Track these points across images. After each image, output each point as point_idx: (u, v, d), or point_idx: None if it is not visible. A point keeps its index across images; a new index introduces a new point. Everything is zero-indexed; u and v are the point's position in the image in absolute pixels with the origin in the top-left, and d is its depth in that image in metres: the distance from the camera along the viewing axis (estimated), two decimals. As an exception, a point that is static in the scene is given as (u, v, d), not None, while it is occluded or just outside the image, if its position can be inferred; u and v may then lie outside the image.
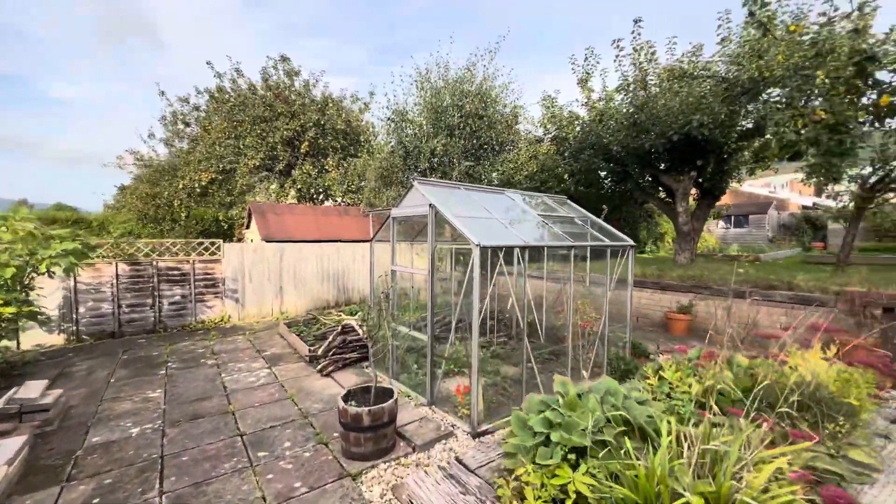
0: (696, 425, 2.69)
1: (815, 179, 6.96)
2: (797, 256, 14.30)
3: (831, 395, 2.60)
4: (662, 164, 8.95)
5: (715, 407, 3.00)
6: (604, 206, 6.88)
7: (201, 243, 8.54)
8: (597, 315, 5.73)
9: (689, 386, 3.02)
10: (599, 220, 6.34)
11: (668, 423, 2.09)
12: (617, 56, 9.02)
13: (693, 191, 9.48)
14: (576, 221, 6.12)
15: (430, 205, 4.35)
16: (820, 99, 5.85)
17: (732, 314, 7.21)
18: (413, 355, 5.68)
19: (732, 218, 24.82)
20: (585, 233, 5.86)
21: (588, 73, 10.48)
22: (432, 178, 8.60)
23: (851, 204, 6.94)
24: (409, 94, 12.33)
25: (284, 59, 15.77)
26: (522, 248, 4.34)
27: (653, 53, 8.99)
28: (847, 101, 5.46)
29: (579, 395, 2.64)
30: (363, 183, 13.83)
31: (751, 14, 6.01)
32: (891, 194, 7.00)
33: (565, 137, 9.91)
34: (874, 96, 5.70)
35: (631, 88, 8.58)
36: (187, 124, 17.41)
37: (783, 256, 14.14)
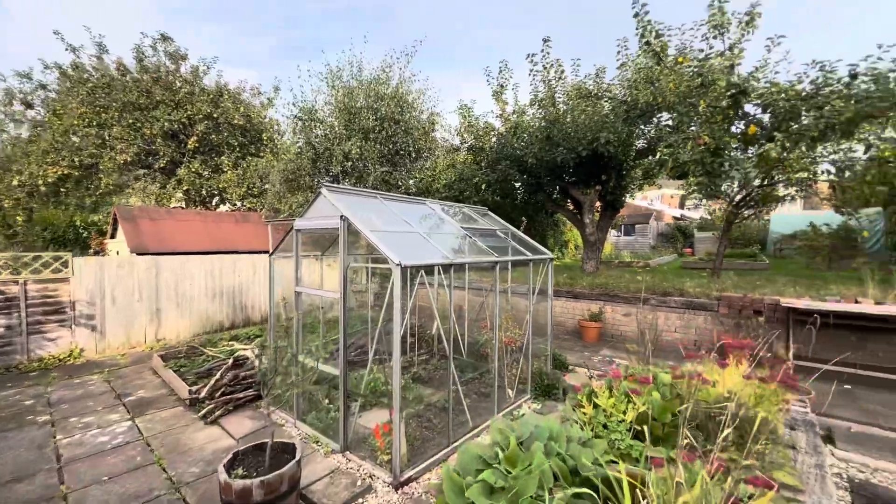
0: (637, 461, 2.51)
1: (697, 196, 7.88)
2: (676, 262, 16.39)
3: (754, 414, 2.63)
4: (571, 178, 9.41)
5: (650, 435, 2.89)
6: (523, 218, 6.85)
7: (38, 257, 6.62)
8: (520, 331, 5.60)
9: (624, 412, 2.88)
10: (520, 233, 6.27)
11: (620, 473, 1.82)
12: (531, 70, 9.31)
13: (597, 203, 10.16)
14: (498, 234, 5.96)
15: (341, 216, 3.73)
16: (702, 125, 6.51)
17: (636, 319, 7.74)
18: (324, 388, 4.93)
19: (623, 227, 27.92)
20: (508, 246, 5.71)
21: (502, 86, 10.69)
22: (344, 185, 7.72)
23: (720, 217, 7.91)
24: (318, 91, 11.35)
25: (165, 38, 13.52)
26: (447, 266, 3.95)
27: (561, 72, 9.48)
28: (724, 128, 6.16)
29: (520, 443, 2.29)
30: (266, 186, 12.37)
31: (647, 44, 6.55)
32: (748, 210, 8.17)
33: (482, 147, 9.95)
34: (742, 126, 6.56)
35: (542, 103, 8.91)
36: (29, 105, 13.96)
37: (665, 262, 16.09)
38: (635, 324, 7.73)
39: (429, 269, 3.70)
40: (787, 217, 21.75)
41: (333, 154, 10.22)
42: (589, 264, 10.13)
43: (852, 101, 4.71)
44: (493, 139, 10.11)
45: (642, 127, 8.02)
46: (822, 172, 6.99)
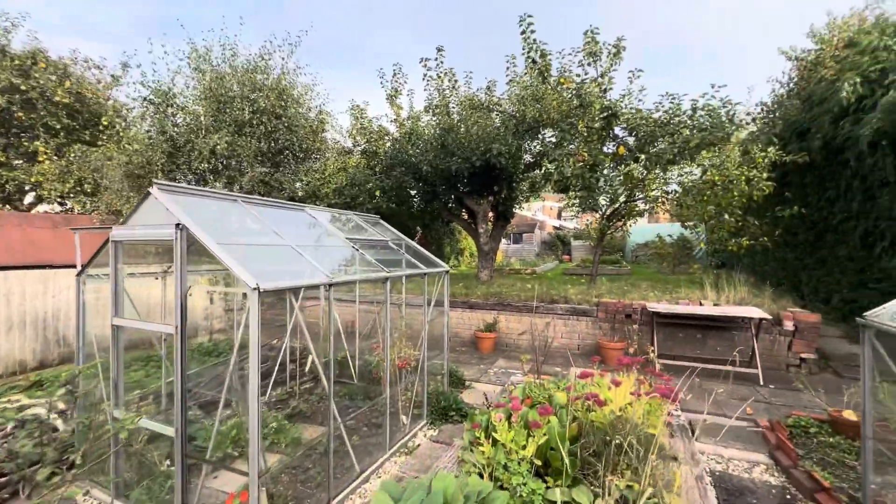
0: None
1: (577, 208, 8.55)
2: (558, 268, 17.92)
3: (646, 436, 2.58)
4: (466, 188, 9.45)
5: (550, 468, 2.67)
6: (418, 228, 6.47)
7: None
8: (416, 351, 5.18)
9: (524, 447, 2.61)
10: (414, 244, 5.88)
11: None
12: (425, 75, 9.11)
13: (490, 214, 10.39)
14: (390, 245, 5.46)
15: (177, 224, 2.83)
16: (581, 144, 6.97)
17: (527, 327, 7.96)
18: (159, 447, 3.79)
19: (511, 236, 29.93)
20: (401, 259, 5.26)
21: (396, 91, 10.32)
22: (184, 186, 6.39)
23: (594, 229, 8.68)
24: (178, 72, 9.52)
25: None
26: (325, 286, 3.31)
27: (455, 82, 9.49)
28: (599, 147, 6.68)
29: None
30: (104, 182, 9.91)
31: (532, 62, 6.83)
32: (617, 222, 9.14)
33: (376, 152, 9.40)
34: (613, 147, 7.24)
35: (437, 111, 8.78)
36: None
37: (549, 268, 17.48)
38: (528, 332, 7.95)
39: (296, 291, 3.02)
40: (641, 228, 25.71)
41: (196, 147, 8.59)
42: (483, 273, 10.27)
43: (696, 131, 5.57)
44: (388, 144, 9.64)
45: (529, 142, 8.41)
46: (672, 192, 8.10)
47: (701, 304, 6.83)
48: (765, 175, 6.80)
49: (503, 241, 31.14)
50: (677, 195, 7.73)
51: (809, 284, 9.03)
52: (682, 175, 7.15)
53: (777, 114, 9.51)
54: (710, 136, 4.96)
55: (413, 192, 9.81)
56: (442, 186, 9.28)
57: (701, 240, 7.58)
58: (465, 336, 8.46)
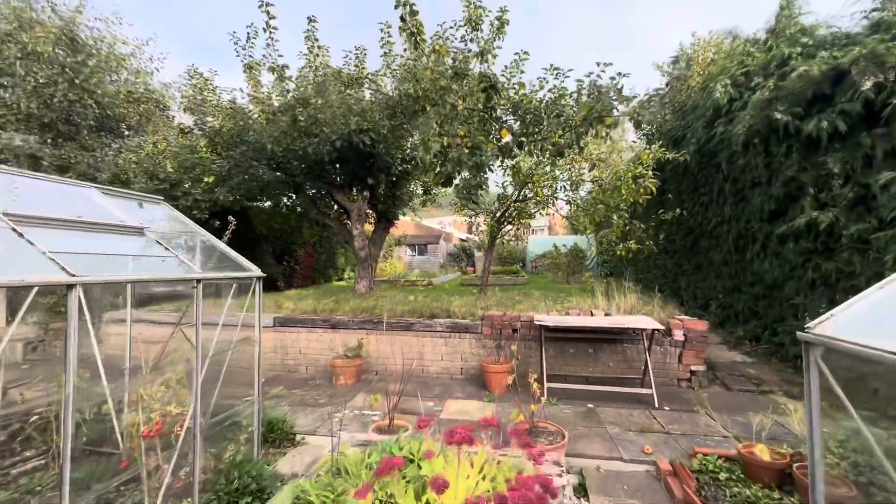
0: None
1: (466, 202, 7.43)
2: (457, 280, 16.96)
3: None
4: (335, 179, 7.73)
5: None
6: (230, 219, 4.59)
7: None
8: (201, 401, 3.30)
9: None
10: (217, 243, 4.01)
11: None
12: (269, 42, 7.19)
13: (370, 214, 8.80)
14: (149, 234, 3.51)
15: None
16: (461, 125, 5.80)
17: (401, 350, 6.44)
18: None
19: (417, 247, 28.74)
20: (175, 256, 3.35)
21: (254, 61, 8.27)
22: None
23: (483, 231, 7.64)
24: None
25: None
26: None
27: (318, 48, 7.76)
28: (480, 128, 5.56)
29: None
30: None
31: (402, 20, 5.53)
32: (508, 227, 8.24)
33: (220, 129, 7.22)
34: (497, 132, 6.22)
35: (297, 82, 7.01)
36: None
37: (449, 279, 16.43)
38: (402, 353, 6.43)
39: None
40: (540, 239, 26.46)
41: None
42: (361, 284, 8.58)
43: (583, 110, 4.88)
44: (240, 120, 7.52)
45: (406, 126, 7.08)
46: (561, 190, 7.39)
47: (592, 314, 6.01)
48: (650, 173, 6.33)
49: (408, 251, 29.73)
50: (567, 195, 7.02)
51: (688, 290, 9.06)
52: (570, 170, 6.43)
53: (653, 126, 9.65)
54: (598, 106, 4.20)
55: (268, 182, 7.76)
56: (303, 175, 7.43)
57: (592, 245, 6.89)
58: (322, 365, 6.63)
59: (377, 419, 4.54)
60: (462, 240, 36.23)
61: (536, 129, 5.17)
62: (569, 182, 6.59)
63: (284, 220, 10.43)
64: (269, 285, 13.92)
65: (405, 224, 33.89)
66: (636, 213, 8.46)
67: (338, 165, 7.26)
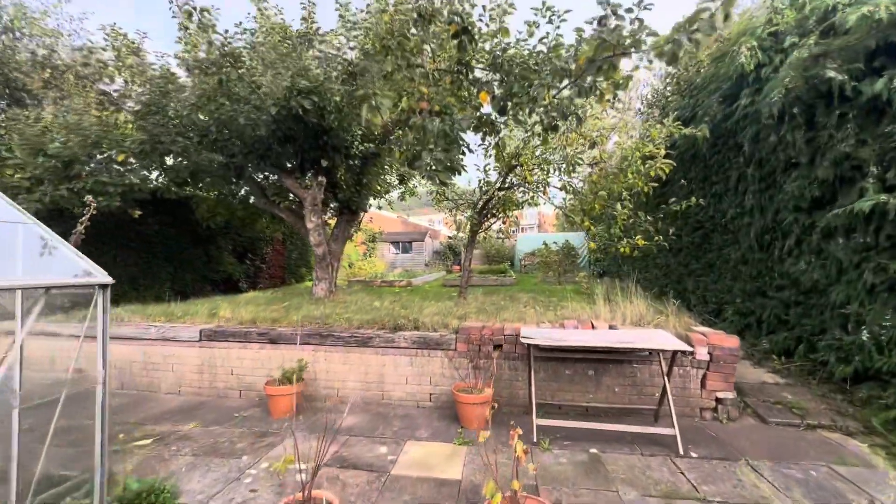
0: None
1: (439, 195, 6.20)
2: (440, 279, 15.71)
3: None
4: (283, 161, 6.41)
5: None
6: (83, 218, 3.22)
7: None
8: None
9: None
10: (48, 233, 2.70)
11: None
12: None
13: (330, 204, 7.48)
14: None
15: None
16: (421, 80, 4.54)
17: (357, 371, 5.18)
18: None
19: (401, 244, 27.41)
20: None
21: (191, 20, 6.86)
22: None
23: (463, 224, 6.42)
24: None
25: None
26: None
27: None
28: (452, 91, 4.31)
29: None
30: None
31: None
32: (492, 220, 7.02)
33: (130, 95, 5.83)
34: (476, 99, 4.98)
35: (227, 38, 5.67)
36: None
37: (431, 280, 15.18)
38: (358, 374, 5.17)
39: None
40: (529, 237, 25.36)
41: None
42: (319, 287, 7.28)
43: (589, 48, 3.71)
44: (162, 87, 6.12)
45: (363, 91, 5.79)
46: (557, 187, 6.18)
47: (593, 327, 4.82)
48: (663, 151, 5.17)
49: (392, 249, 28.33)
50: (562, 180, 5.82)
51: (696, 293, 7.96)
52: (566, 149, 5.24)
53: (658, 108, 8.52)
54: (611, 38, 3.04)
55: (202, 166, 6.39)
56: (244, 156, 6.10)
57: (590, 239, 5.74)
58: (258, 389, 5.33)
59: (301, 478, 3.27)
60: (449, 237, 35.02)
61: (523, 90, 3.96)
62: (563, 164, 5.40)
63: (230, 212, 9.06)
64: (231, 287, 12.51)
65: (391, 221, 32.49)
66: (638, 204, 7.32)
67: (285, 144, 5.94)
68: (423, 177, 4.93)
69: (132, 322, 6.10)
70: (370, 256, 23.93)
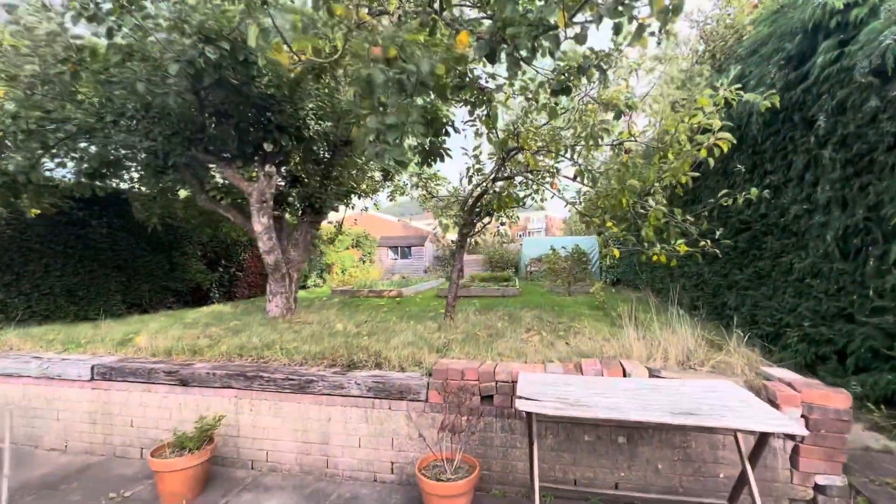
0: None
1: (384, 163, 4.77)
2: (437, 288, 14.27)
3: None
4: (222, 146, 5.05)
5: None
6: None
7: None
8: None
9: None
10: None
11: None
12: None
13: (286, 200, 6.11)
14: None
15: None
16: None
17: (292, 425, 3.77)
18: None
19: (399, 249, 26.04)
20: None
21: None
22: None
23: (443, 225, 5.01)
24: None
25: None
26: None
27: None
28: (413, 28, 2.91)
29: None
30: None
31: None
32: (486, 219, 5.59)
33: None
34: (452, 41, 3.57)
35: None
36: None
37: (426, 288, 13.75)
38: (294, 431, 3.76)
39: None
40: (536, 240, 23.85)
41: None
42: (273, 303, 5.91)
43: None
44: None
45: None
46: (570, 176, 4.72)
47: (625, 372, 3.34)
48: (718, 122, 3.71)
49: (391, 254, 26.94)
50: (579, 163, 4.37)
51: (741, 311, 6.43)
52: (583, 120, 3.83)
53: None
54: None
55: (109, 151, 5.06)
56: (166, 139, 4.75)
57: (612, 244, 4.30)
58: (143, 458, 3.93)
59: None
60: (452, 241, 33.62)
61: (521, 17, 2.58)
62: (579, 142, 3.93)
63: (168, 212, 7.73)
64: (201, 298, 11.21)
65: (391, 225, 31.15)
66: (670, 199, 5.85)
67: (220, 123, 4.59)
68: (370, 159, 3.56)
69: (23, 352, 4.77)
70: (368, 262, 22.62)
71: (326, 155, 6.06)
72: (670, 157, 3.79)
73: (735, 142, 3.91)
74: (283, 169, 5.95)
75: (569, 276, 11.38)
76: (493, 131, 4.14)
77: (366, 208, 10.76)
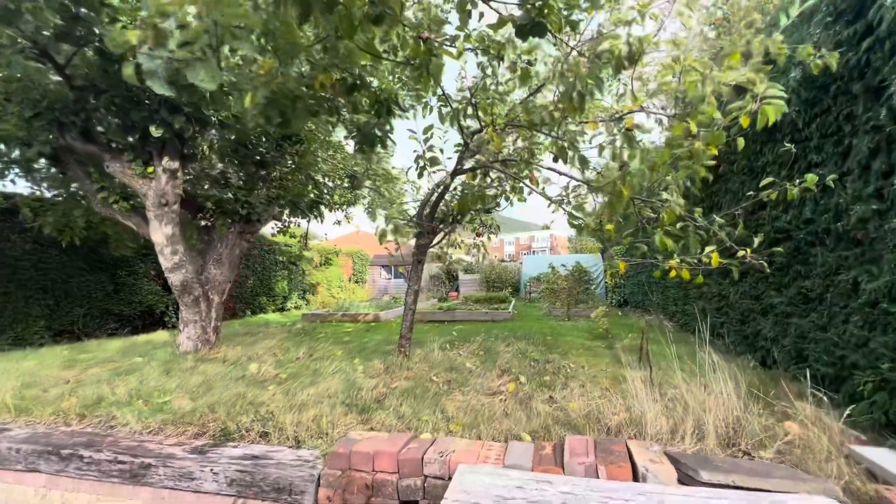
0: None
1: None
2: (425, 310, 12.90)
3: None
4: (105, 133, 3.91)
5: None
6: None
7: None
8: None
9: None
10: None
11: None
12: None
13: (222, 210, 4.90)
14: None
15: None
16: None
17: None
18: None
19: (393, 269, 24.80)
20: None
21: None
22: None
23: (385, 233, 3.77)
24: None
25: None
26: None
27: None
28: None
29: None
30: None
31: None
32: (456, 227, 4.35)
33: None
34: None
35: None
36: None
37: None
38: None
39: None
40: (536, 258, 22.53)
41: None
42: (185, 334, 4.63)
43: None
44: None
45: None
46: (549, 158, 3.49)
47: (636, 473, 2.00)
48: (763, 81, 2.48)
49: (384, 274, 25.64)
50: (557, 139, 3.14)
51: (782, 344, 5.03)
52: (566, 79, 2.64)
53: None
54: None
55: None
56: (29, 122, 3.63)
57: (613, 253, 3.01)
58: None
59: None
60: (451, 260, 32.22)
61: None
62: (559, 103, 2.71)
63: (65, 221, 6.52)
64: (153, 322, 9.97)
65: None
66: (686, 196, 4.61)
67: (97, 103, 3.46)
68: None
69: None
70: (361, 282, 21.40)
71: (264, 151, 4.92)
72: (692, 128, 2.56)
73: (786, 108, 2.67)
74: (200, 166, 4.80)
75: (568, 298, 10.02)
76: (447, 103, 2.96)
77: (338, 222, 9.59)
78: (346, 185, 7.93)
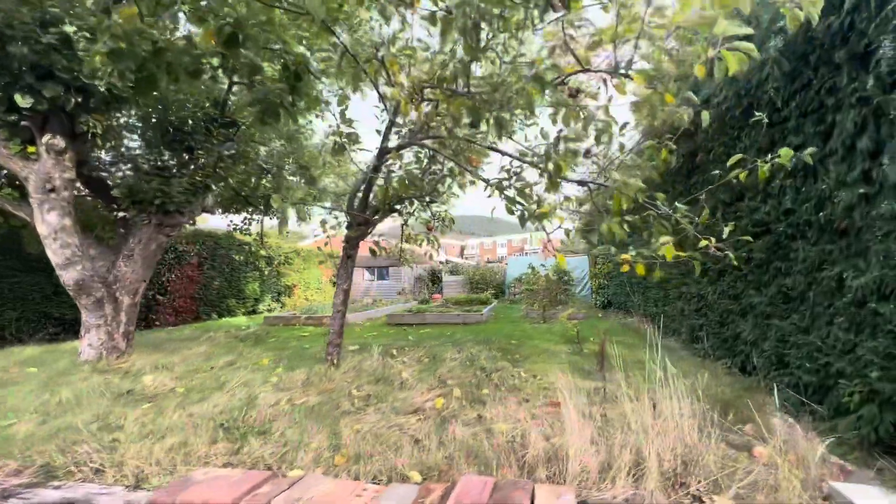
0: None
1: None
2: (399, 312, 12.31)
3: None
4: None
5: None
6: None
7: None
8: None
9: None
10: None
11: None
12: None
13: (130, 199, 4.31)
14: None
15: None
16: None
17: None
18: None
19: (375, 270, 24.16)
20: None
21: None
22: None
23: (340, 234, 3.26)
24: None
25: None
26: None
27: None
28: None
29: None
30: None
31: None
32: (397, 217, 3.81)
33: None
34: None
35: None
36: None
37: (382, 314, 11.83)
38: None
39: None
40: (520, 259, 22.07)
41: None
42: (86, 341, 4.04)
43: None
44: None
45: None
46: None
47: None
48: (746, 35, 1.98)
49: (367, 276, 24.99)
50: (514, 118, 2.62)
51: (762, 347, 4.55)
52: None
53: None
54: None
55: None
56: None
57: (604, 254, 2.48)
58: None
59: None
60: (443, 263, 31.52)
61: None
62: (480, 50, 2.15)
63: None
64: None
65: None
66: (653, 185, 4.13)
67: None
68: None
69: None
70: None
71: (187, 132, 4.34)
72: (639, 81, 2.06)
73: (756, 54, 2.16)
74: (117, 150, 4.23)
75: (545, 299, 9.51)
76: (355, 63, 2.41)
77: (324, 221, 9.00)
78: (304, 180, 7.38)
